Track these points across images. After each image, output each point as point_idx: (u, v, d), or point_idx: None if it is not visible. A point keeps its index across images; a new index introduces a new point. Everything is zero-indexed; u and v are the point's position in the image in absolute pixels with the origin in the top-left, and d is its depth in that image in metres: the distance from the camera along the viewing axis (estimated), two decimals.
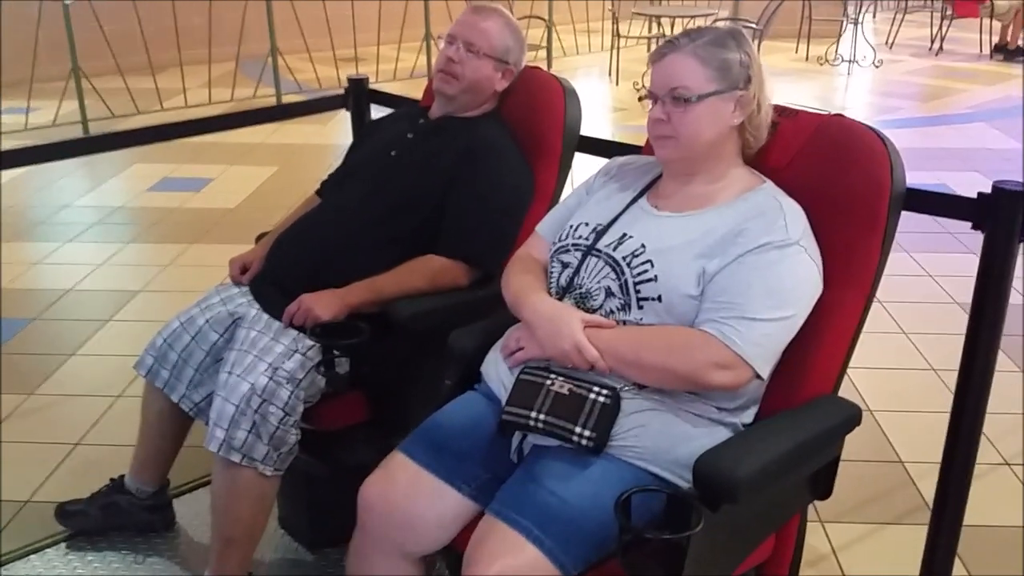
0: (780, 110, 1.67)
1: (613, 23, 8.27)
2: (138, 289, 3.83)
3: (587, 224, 1.64)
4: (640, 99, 1.60)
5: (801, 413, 1.53)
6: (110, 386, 3.00)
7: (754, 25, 7.40)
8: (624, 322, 1.52)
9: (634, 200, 1.65)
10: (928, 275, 3.90)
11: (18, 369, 3.16)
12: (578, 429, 1.44)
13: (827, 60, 9.00)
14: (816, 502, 2.36)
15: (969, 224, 1.67)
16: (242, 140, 5.92)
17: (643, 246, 1.53)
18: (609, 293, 1.53)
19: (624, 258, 1.54)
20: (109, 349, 3.32)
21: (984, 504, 2.36)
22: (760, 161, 1.65)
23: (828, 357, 1.57)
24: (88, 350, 3.31)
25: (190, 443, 2.19)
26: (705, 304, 1.46)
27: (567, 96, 2.10)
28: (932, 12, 10.26)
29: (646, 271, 1.51)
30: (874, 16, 11.67)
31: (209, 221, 4.67)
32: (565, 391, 1.47)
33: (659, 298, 1.49)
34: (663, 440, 1.46)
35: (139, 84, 6.86)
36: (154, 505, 2.24)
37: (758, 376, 1.46)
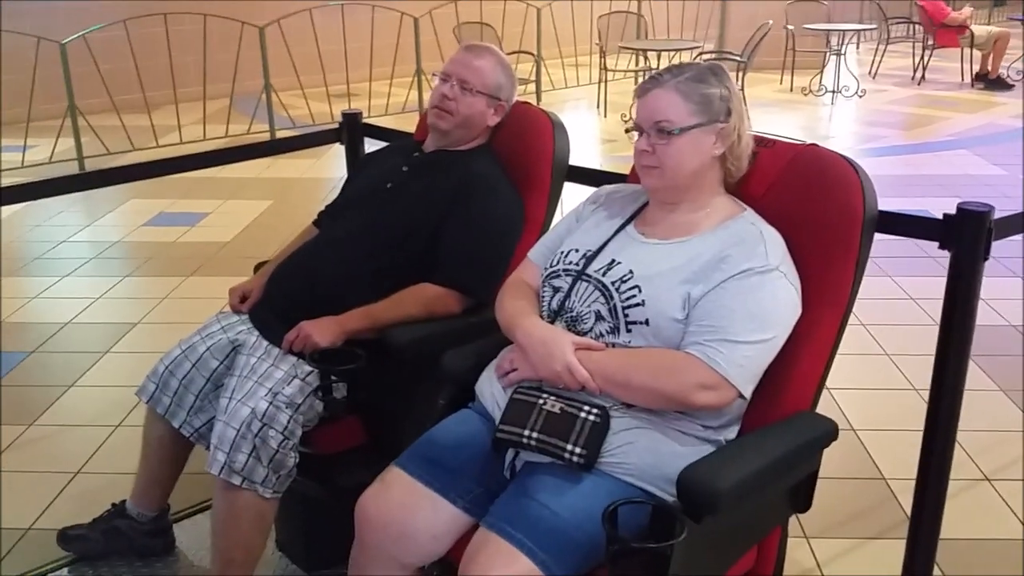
0: (758, 140, 1.76)
1: (600, 57, 8.42)
2: (135, 321, 3.89)
3: (577, 250, 1.71)
4: (627, 131, 1.69)
5: (779, 429, 1.60)
6: (109, 415, 3.06)
7: (738, 57, 7.54)
8: (613, 345, 1.59)
9: (622, 227, 1.73)
10: (910, 298, 3.99)
11: (18, 400, 3.21)
12: (569, 446, 1.50)
13: (811, 91, 9.15)
14: (801, 518, 2.43)
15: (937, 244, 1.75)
16: (237, 175, 5.99)
17: (631, 272, 1.61)
18: (599, 317, 1.61)
19: (613, 283, 1.61)
20: (108, 380, 3.38)
21: (965, 518, 2.43)
22: (740, 189, 1.73)
23: (806, 375, 1.64)
24: (87, 381, 3.36)
25: (190, 469, 2.24)
26: (690, 328, 1.54)
27: (555, 129, 2.18)
28: (914, 42, 10.44)
29: (634, 296, 1.58)
30: (857, 47, 11.86)
31: (205, 254, 4.74)
32: (557, 410, 1.54)
33: (646, 322, 1.56)
34: (650, 457, 1.53)
35: (135, 121, 6.97)
36: (154, 529, 2.29)
37: (741, 396, 1.53)
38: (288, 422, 1.92)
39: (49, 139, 6.49)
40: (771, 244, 1.59)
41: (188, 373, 2.11)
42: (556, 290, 1.69)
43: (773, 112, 8.42)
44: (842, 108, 8.77)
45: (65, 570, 2.29)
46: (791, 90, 9.44)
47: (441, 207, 2.07)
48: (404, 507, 1.60)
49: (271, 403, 1.91)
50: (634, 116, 1.67)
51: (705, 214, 1.66)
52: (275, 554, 2.36)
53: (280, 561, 2.35)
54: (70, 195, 5.53)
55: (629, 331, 1.57)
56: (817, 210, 1.66)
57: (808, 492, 1.68)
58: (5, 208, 5.25)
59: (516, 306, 1.72)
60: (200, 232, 5.17)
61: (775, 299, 1.55)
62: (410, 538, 1.60)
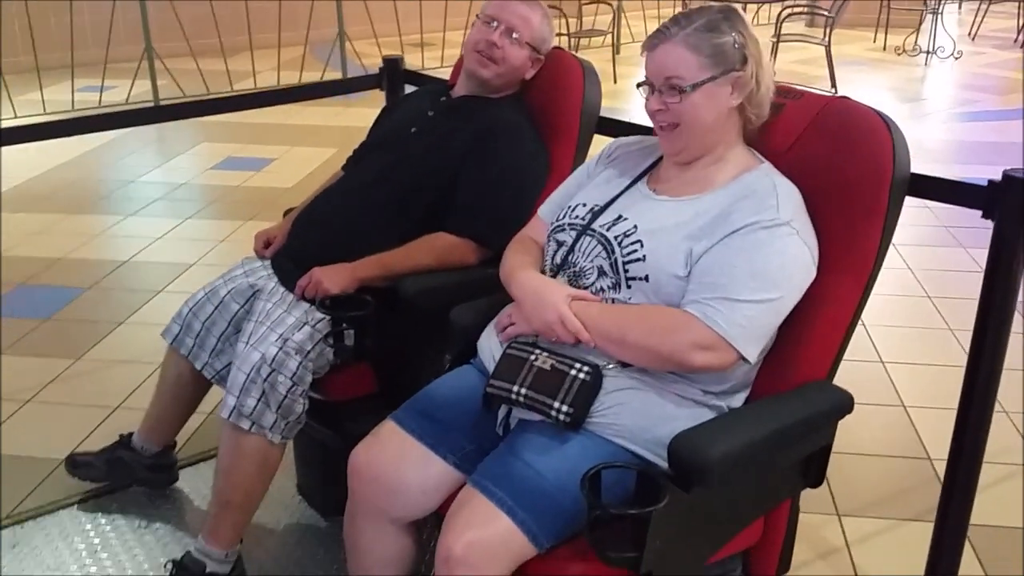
0: (785, 91, 1.65)
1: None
2: (192, 263, 3.95)
3: (585, 205, 1.64)
4: (638, 85, 1.59)
5: (788, 398, 1.51)
6: (154, 353, 3.05)
7: (826, 12, 7.23)
8: (613, 301, 1.52)
9: (633, 183, 1.65)
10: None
11: (68, 335, 3.29)
12: (557, 404, 1.45)
13: (905, 50, 8.75)
14: (835, 495, 2.33)
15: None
16: (305, 122, 6.03)
17: (635, 227, 1.53)
18: (601, 272, 1.54)
19: (616, 237, 1.54)
20: (157, 319, 3.38)
21: (1010, 506, 2.29)
22: (763, 143, 1.63)
23: (822, 343, 1.55)
24: (137, 319, 3.42)
25: (214, 413, 2.25)
26: (691, 285, 1.46)
27: (586, 76, 2.09)
28: (1020, 3, 9.86)
29: (635, 251, 1.51)
30: (959, 6, 11.27)
31: (266, 199, 4.77)
32: (547, 367, 1.48)
33: (646, 278, 1.49)
34: (642, 419, 1.46)
35: (211, 66, 7.03)
36: (156, 464, 2.31)
37: (743, 358, 1.44)
38: (297, 368, 1.90)
39: (126, 81, 6.60)
40: (784, 197, 1.49)
41: (210, 316, 2.11)
42: (560, 244, 1.62)
43: (863, 71, 8.09)
44: (936, 70, 8.36)
45: (76, 506, 2.33)
46: (884, 49, 9.05)
47: (461, 153, 2.01)
48: (395, 461, 1.57)
49: (281, 349, 1.89)
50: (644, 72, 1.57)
51: (719, 168, 1.57)
52: (295, 498, 2.38)
53: (300, 505, 2.36)
54: (144, 137, 5.69)
55: (629, 287, 1.50)
56: (842, 166, 1.55)
57: (820, 466, 1.59)
58: (81, 146, 5.41)
59: (516, 260, 1.66)
60: (264, 177, 5.22)
61: (783, 256, 1.45)
62: (400, 492, 1.57)
